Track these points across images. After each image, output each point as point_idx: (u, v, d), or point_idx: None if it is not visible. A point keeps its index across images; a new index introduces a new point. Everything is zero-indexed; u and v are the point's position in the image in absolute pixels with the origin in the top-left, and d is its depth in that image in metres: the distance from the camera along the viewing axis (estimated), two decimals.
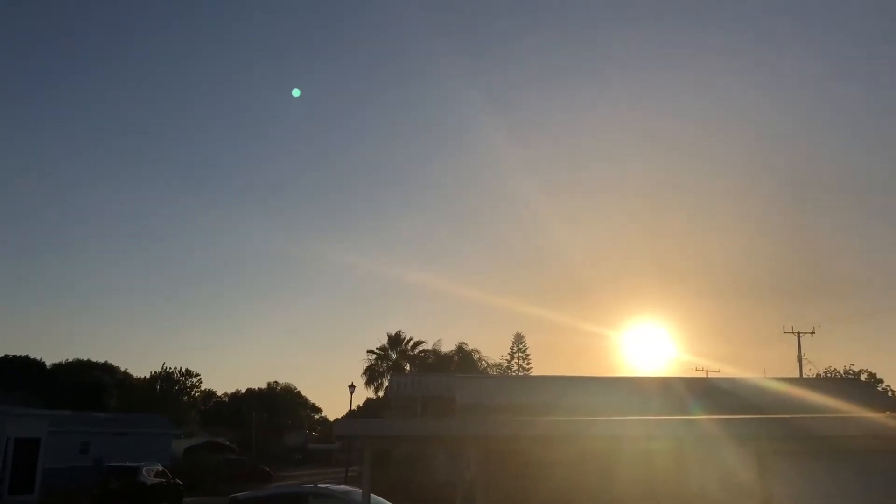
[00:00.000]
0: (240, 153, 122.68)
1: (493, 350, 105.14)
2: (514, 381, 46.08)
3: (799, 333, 51.34)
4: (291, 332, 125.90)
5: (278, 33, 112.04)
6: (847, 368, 56.23)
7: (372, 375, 65.76)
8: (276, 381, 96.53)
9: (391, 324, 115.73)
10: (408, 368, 64.04)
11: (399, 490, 23.93)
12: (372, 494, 16.15)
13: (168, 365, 79.74)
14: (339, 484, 21.66)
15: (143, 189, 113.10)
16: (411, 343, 67.09)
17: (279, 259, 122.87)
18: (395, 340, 67.23)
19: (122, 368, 79.56)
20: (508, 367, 67.73)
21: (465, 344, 65.90)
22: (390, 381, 39.83)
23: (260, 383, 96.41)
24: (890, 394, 50.69)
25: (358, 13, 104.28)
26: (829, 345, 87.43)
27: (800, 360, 51.16)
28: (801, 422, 9.45)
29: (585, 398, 28.63)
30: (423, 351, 66.56)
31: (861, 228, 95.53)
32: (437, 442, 11.59)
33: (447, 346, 66.47)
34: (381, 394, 62.24)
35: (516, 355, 69.27)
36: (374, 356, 66.59)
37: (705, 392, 30.78)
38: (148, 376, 77.79)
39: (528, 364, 68.81)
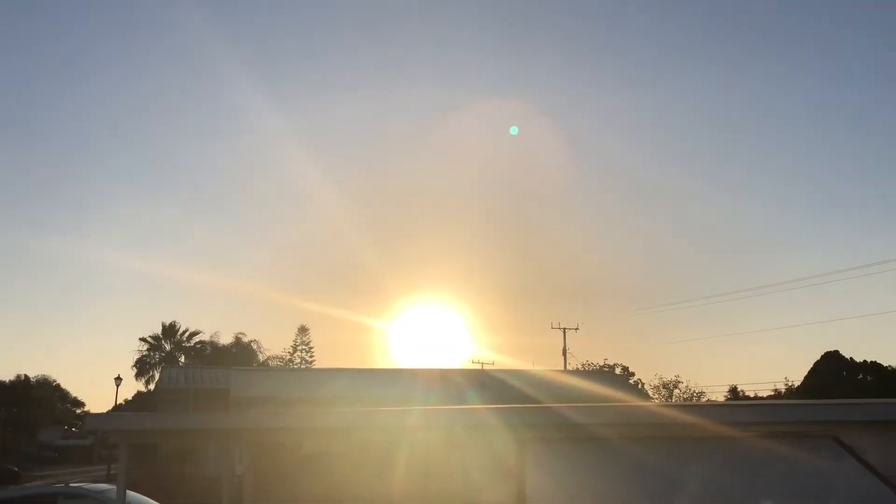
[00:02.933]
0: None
1: (276, 343, 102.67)
2: (295, 373, 45.44)
3: (565, 329, 55.62)
4: (48, 322, 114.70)
5: None
6: (604, 362, 61.48)
7: (143, 367, 61.86)
8: (25, 374, 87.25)
9: (167, 314, 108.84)
10: (183, 360, 60.94)
11: (165, 487, 22.71)
12: (130, 492, 15.04)
13: None
14: (99, 482, 20.21)
15: None
16: (187, 334, 63.83)
17: (31, 250, 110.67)
18: (170, 331, 63.62)
19: None
20: (291, 361, 66.57)
21: (244, 335, 63.96)
22: (161, 372, 37.58)
23: (8, 375, 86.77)
24: (640, 385, 56.11)
25: None
26: (590, 339, 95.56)
27: (565, 353, 55.41)
28: (560, 410, 10.09)
29: (369, 390, 28.89)
30: (200, 342, 63.65)
31: (623, 231, 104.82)
32: (207, 436, 10.97)
33: (226, 338, 64.09)
34: (152, 387, 58.66)
35: (299, 348, 68.26)
36: (146, 346, 62.60)
37: (481, 383, 32.25)
38: None
39: (312, 357, 68.07)
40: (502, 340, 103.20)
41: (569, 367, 53.73)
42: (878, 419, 9.81)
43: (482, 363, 52.61)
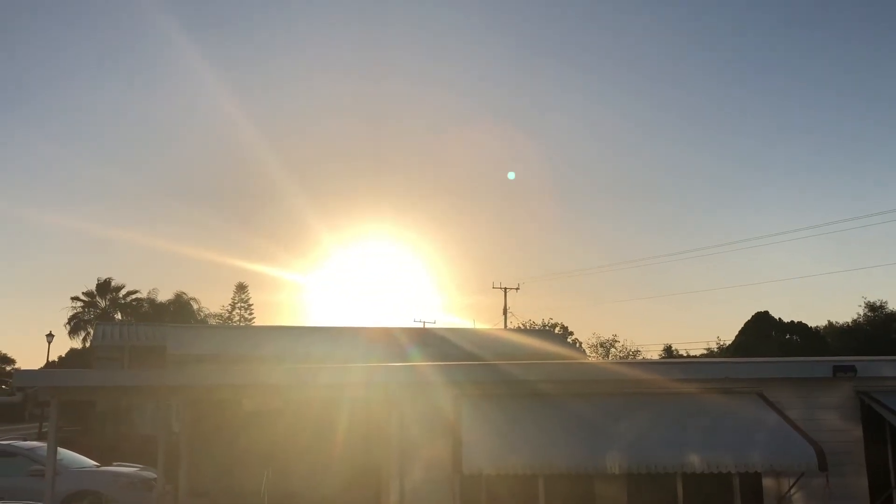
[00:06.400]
0: None
1: (215, 302, 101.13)
2: (235, 331, 45.00)
3: (506, 289, 56.38)
4: None
5: None
6: (544, 321, 62.57)
7: (77, 324, 60.54)
8: None
9: (102, 271, 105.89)
10: (119, 317, 59.80)
11: (100, 445, 22.38)
12: (63, 450, 14.81)
13: None
14: (30, 440, 19.84)
15: None
16: (123, 291, 62.55)
17: None
18: (105, 288, 62.20)
19: None
20: (229, 319, 65.89)
21: (184, 293, 62.87)
22: (95, 329, 36.72)
23: None
24: (578, 344, 57.35)
25: None
26: (531, 299, 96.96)
27: (505, 312, 56.23)
28: (499, 366, 10.32)
29: (310, 349, 28.78)
30: (137, 300, 62.42)
31: (564, 195, 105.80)
32: (143, 393, 10.82)
33: (165, 295, 63.00)
34: (88, 344, 57.50)
35: (238, 306, 67.55)
36: (79, 304, 61.17)
37: (422, 341, 32.51)
38: None
39: (251, 315, 67.47)
40: (446, 300, 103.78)
41: (509, 327, 54.60)
42: (801, 377, 10.29)
43: (424, 322, 53.00)
